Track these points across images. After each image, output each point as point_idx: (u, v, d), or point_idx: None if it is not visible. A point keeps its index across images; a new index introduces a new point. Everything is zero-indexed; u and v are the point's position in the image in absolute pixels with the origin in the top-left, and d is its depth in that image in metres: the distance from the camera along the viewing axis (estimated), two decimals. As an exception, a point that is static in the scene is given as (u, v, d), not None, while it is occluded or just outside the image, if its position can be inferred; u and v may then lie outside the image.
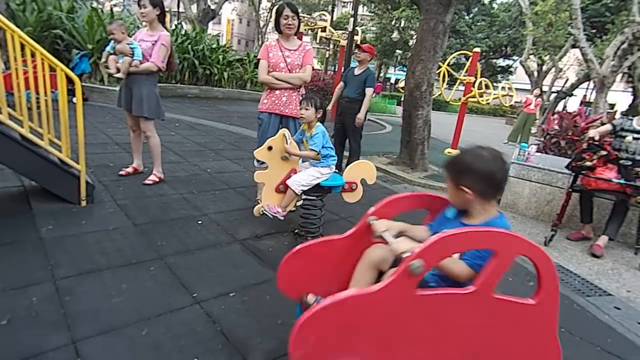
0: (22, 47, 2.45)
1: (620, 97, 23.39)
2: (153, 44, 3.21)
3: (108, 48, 3.22)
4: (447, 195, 1.38)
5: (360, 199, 2.88)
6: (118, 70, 3.17)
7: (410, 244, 1.18)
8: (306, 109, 2.63)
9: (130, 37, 3.32)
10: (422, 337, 1.13)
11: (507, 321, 1.16)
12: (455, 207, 1.37)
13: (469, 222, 1.32)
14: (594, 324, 2.22)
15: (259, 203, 2.86)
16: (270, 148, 2.58)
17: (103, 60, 3.28)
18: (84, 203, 2.77)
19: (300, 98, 3.07)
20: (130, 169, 3.57)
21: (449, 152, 7.44)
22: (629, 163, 3.18)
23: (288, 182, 2.60)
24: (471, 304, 1.12)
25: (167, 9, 3.43)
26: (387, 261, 1.40)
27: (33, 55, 2.49)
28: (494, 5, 27.74)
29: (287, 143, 2.58)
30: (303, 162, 2.86)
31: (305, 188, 2.59)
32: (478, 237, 1.10)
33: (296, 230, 2.81)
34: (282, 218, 2.66)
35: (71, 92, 3.26)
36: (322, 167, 2.68)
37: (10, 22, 2.36)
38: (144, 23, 3.35)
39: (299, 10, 3.03)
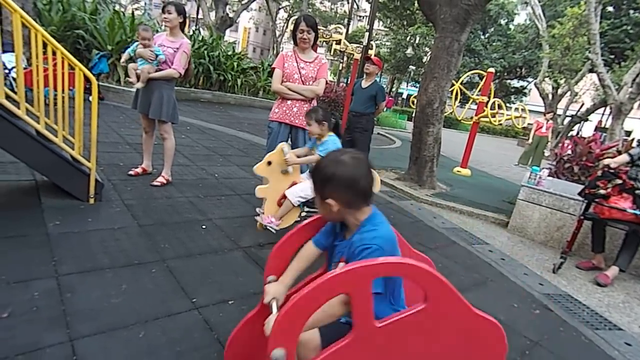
0: (45, 45, 2.52)
1: (637, 124, 23.07)
2: (175, 51, 3.28)
3: (129, 50, 3.29)
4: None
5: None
6: (138, 79, 3.23)
7: (274, 308, 1.09)
8: (309, 124, 2.62)
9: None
10: None
11: (412, 336, 1.06)
12: (330, 221, 1.27)
13: (347, 237, 1.21)
14: (602, 359, 2.14)
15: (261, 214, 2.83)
16: (269, 163, 2.58)
17: (123, 60, 3.34)
18: (92, 201, 2.79)
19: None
20: (139, 170, 3.61)
21: (458, 171, 7.38)
22: (645, 193, 3.10)
23: (286, 192, 2.59)
24: (362, 348, 1.02)
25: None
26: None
27: (54, 53, 2.56)
28: (511, 26, 27.82)
29: (285, 155, 2.57)
30: (303, 173, 2.85)
31: (303, 200, 2.57)
32: (321, 292, 0.95)
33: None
34: (276, 228, 2.64)
35: (88, 91, 3.33)
36: None
37: (36, 21, 2.43)
38: (162, 27, 3.43)
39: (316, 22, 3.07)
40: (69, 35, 7.94)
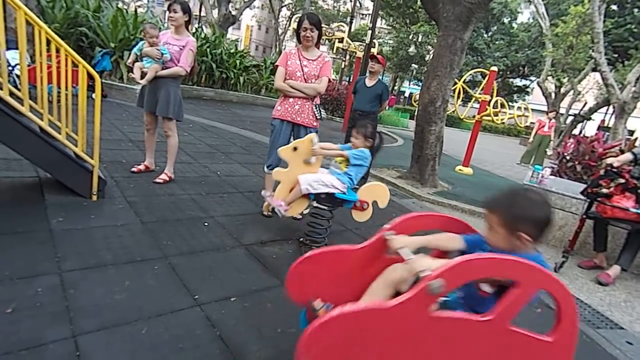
0: (48, 42, 2.53)
1: (640, 123, 22.93)
2: (180, 49, 3.30)
3: (135, 49, 3.30)
4: (486, 234, 1.31)
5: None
6: (142, 77, 3.23)
7: (430, 262, 1.14)
8: (356, 138, 2.66)
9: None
10: (432, 359, 1.09)
11: (520, 355, 1.13)
12: (497, 249, 1.30)
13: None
14: (604, 358, 2.14)
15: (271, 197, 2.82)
16: (295, 149, 2.59)
17: (130, 60, 3.36)
18: (95, 197, 2.81)
19: (314, 108, 3.09)
20: (142, 167, 3.62)
21: (460, 170, 7.37)
22: (648, 192, 3.09)
23: (299, 176, 2.58)
24: (486, 333, 1.08)
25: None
26: (407, 282, 1.36)
27: (58, 50, 2.56)
28: (514, 24, 27.69)
29: (313, 145, 2.60)
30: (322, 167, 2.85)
31: (312, 190, 2.55)
32: (503, 265, 1.07)
33: (301, 239, 2.79)
34: (284, 212, 2.64)
35: (91, 88, 3.35)
36: (339, 178, 2.64)
37: (40, 18, 2.44)
38: (166, 25, 3.45)
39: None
40: (72, 33, 7.96)
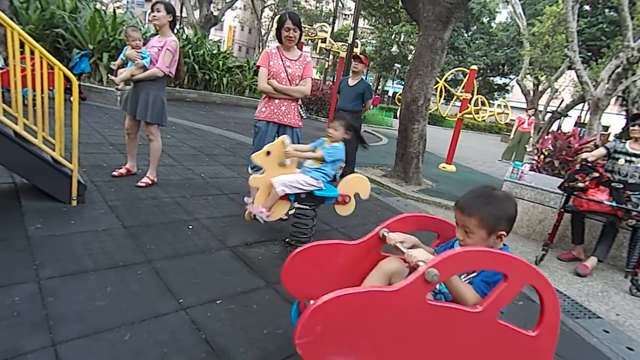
0: (22, 44, 2.45)
1: (614, 119, 23.79)
2: (159, 50, 3.23)
3: (121, 55, 3.28)
4: (460, 236, 1.36)
5: (352, 212, 2.88)
6: (128, 83, 3.21)
7: (426, 254, 1.20)
8: (335, 130, 2.68)
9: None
10: (422, 346, 1.13)
11: (504, 348, 1.16)
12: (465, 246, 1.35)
13: None
14: (582, 347, 2.21)
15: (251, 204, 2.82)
16: (268, 153, 2.59)
17: (117, 65, 3.32)
18: (74, 203, 2.74)
19: (299, 108, 3.09)
20: (123, 170, 3.55)
21: (443, 167, 7.49)
22: (621, 186, 3.21)
23: (272, 179, 2.58)
24: (474, 324, 1.12)
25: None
26: (401, 274, 1.40)
27: (32, 53, 2.49)
28: (493, 24, 28.33)
29: (285, 147, 2.59)
30: (299, 168, 2.85)
31: (288, 190, 2.55)
32: (493, 258, 1.11)
33: (287, 239, 2.79)
34: (265, 218, 2.63)
35: (69, 91, 3.27)
36: (310, 175, 2.64)
37: (13, 19, 2.36)
38: (146, 25, 3.40)
39: (301, 21, 3.05)
40: (48, 34, 7.73)
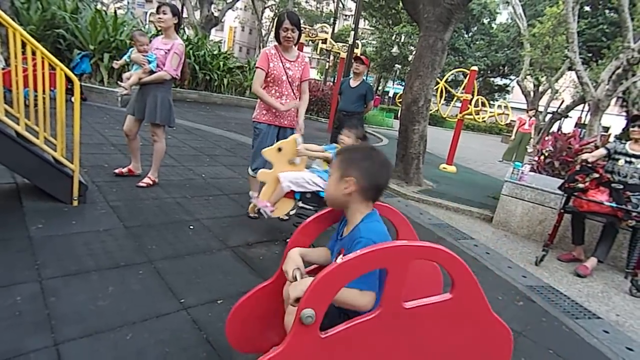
0: (24, 45, 2.46)
1: (614, 120, 23.78)
2: (166, 52, 3.25)
3: (125, 57, 3.29)
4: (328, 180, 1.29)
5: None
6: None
7: (305, 285, 1.01)
8: (347, 137, 2.63)
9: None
10: None
11: (433, 324, 1.09)
12: (332, 202, 1.30)
13: (346, 232, 1.27)
14: (582, 347, 2.21)
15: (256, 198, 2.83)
16: (280, 149, 2.60)
17: (118, 64, 3.34)
18: (75, 203, 2.75)
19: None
20: (125, 170, 3.56)
21: (443, 168, 7.49)
22: (621, 186, 3.22)
23: (279, 174, 2.59)
24: (385, 324, 1.04)
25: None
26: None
27: (34, 53, 2.50)
28: (493, 25, 28.36)
29: (297, 146, 2.61)
30: (308, 168, 2.87)
31: (293, 187, 2.57)
32: (361, 262, 0.97)
33: (288, 240, 2.79)
34: (269, 213, 2.64)
35: (70, 92, 3.28)
36: (320, 175, 2.66)
37: (14, 20, 2.37)
38: (147, 26, 3.41)
39: (301, 21, 3.03)
40: (49, 35, 7.74)
